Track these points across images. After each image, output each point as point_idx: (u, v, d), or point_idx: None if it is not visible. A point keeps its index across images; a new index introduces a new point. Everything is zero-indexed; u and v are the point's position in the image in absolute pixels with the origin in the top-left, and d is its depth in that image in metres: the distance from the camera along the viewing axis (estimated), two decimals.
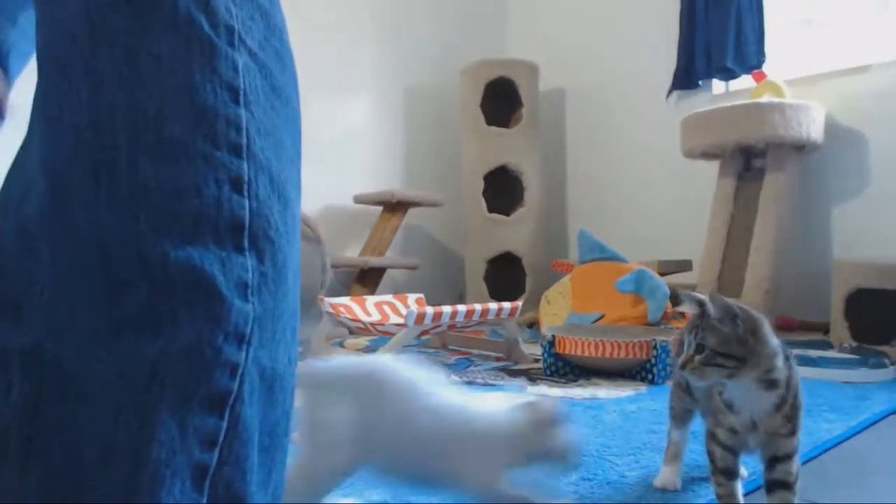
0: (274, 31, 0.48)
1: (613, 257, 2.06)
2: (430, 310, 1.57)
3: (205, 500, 0.38)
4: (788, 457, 0.63)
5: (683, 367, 0.63)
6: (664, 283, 1.85)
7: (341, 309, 1.87)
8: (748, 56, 2.59)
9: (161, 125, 0.41)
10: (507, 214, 3.05)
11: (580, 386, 1.44)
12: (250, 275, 0.42)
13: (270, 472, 0.44)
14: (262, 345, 0.42)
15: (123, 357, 0.38)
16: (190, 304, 0.40)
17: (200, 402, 0.39)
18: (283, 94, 0.47)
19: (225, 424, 0.40)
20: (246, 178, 0.42)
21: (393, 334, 1.64)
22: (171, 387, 0.38)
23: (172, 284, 0.39)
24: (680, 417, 0.83)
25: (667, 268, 2.41)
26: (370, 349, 1.90)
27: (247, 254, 0.42)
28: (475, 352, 1.99)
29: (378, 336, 2.21)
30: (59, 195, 0.40)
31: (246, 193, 0.42)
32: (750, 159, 2.40)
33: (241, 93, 0.43)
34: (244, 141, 0.43)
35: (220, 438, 0.39)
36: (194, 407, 0.39)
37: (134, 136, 0.40)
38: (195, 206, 0.41)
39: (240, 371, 0.41)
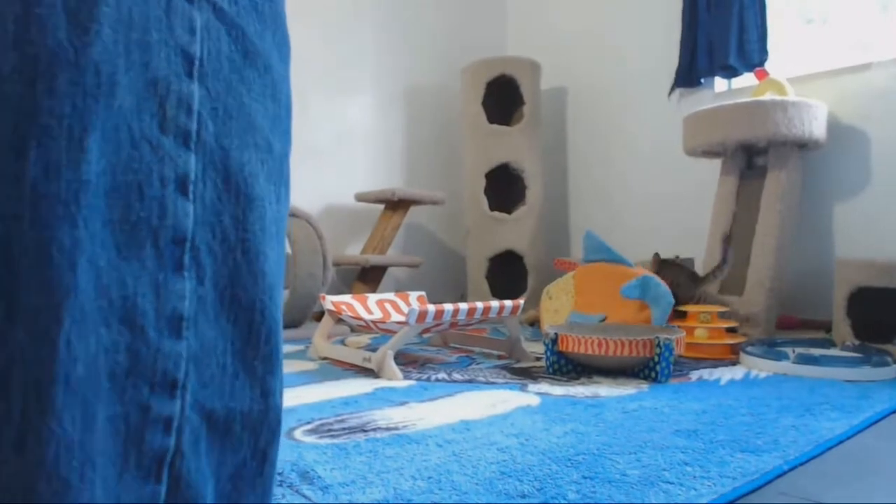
0: None
1: (618, 260, 2.06)
2: (431, 308, 1.57)
3: None
4: None
5: None
6: (669, 292, 1.85)
7: (343, 307, 1.87)
8: (750, 54, 2.58)
9: (112, 91, 0.30)
10: (509, 213, 3.05)
11: (582, 384, 1.44)
12: (186, 303, 0.33)
13: None
14: (204, 384, 0.34)
15: (44, 449, 0.29)
16: (112, 349, 0.31)
17: (133, 471, 0.32)
18: (258, 60, 0.37)
19: (164, 489, 0.33)
20: (192, 176, 0.33)
21: (394, 332, 1.64)
22: (103, 467, 0.30)
23: (92, 323, 0.30)
24: None
25: None
26: (371, 347, 1.90)
27: (185, 274, 0.33)
28: (477, 350, 1.99)
29: (379, 334, 2.21)
30: None
31: (191, 195, 0.33)
32: (752, 157, 2.40)
33: (196, 62, 0.33)
34: (194, 126, 0.33)
35: None
36: (128, 480, 0.31)
37: (77, 95, 0.29)
38: (135, 210, 0.31)
39: (175, 424, 0.33)
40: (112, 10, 0.30)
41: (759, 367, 1.63)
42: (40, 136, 0.28)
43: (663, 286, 1.86)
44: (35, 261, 0.28)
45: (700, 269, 2.50)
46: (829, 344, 1.87)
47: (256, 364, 0.37)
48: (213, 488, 0.35)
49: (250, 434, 0.37)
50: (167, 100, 0.32)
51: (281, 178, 0.39)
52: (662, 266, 2.06)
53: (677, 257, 2.35)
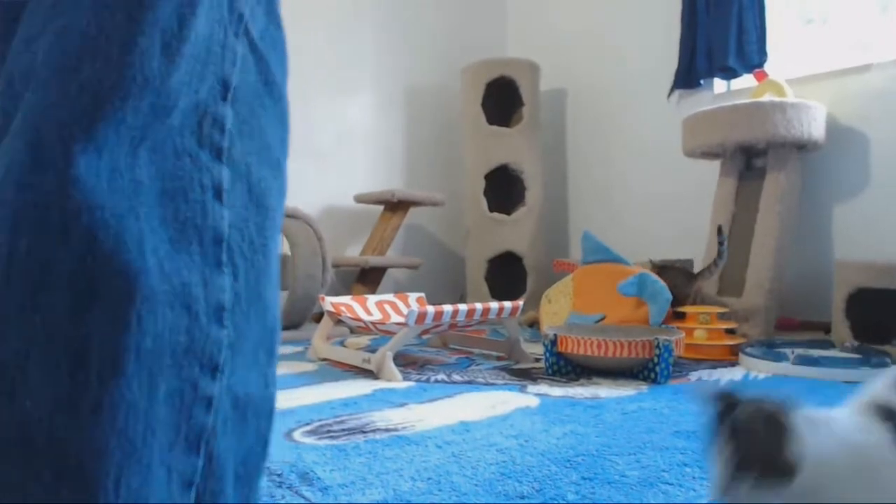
0: (272, 15, 0.42)
1: (616, 259, 2.06)
2: (430, 309, 1.57)
3: None
4: None
5: None
6: (666, 288, 1.85)
7: (342, 308, 1.87)
8: (749, 55, 2.58)
9: (171, 112, 0.35)
10: (508, 214, 3.05)
11: (581, 385, 1.44)
12: (227, 296, 0.38)
13: (248, 500, 0.41)
14: (234, 371, 0.38)
15: (116, 412, 0.32)
16: (174, 329, 0.34)
17: (182, 443, 0.35)
18: (274, 89, 0.42)
19: (201, 462, 0.36)
20: (225, 185, 0.38)
21: (394, 333, 1.64)
22: (160, 435, 0.34)
23: (159, 303, 0.34)
24: None
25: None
26: (371, 348, 1.90)
27: (224, 270, 0.38)
28: (476, 351, 1.99)
29: (379, 335, 2.22)
30: (36, 164, 0.32)
31: (225, 202, 0.38)
32: (751, 159, 2.40)
33: (232, 89, 0.38)
34: (226, 143, 0.38)
35: (197, 478, 0.36)
36: (177, 451, 0.35)
37: (150, 115, 0.34)
38: (183, 211, 0.36)
39: (214, 404, 0.37)
40: (191, 46, 0.36)
41: (758, 368, 1.63)
42: (112, 143, 0.33)
43: (660, 283, 1.87)
44: (113, 246, 0.32)
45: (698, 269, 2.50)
46: (829, 345, 1.87)
47: (263, 355, 0.42)
48: (232, 468, 0.39)
49: (256, 419, 0.41)
50: (205, 119, 0.37)
51: (284, 193, 0.44)
52: (662, 270, 2.07)
53: (677, 261, 2.36)
